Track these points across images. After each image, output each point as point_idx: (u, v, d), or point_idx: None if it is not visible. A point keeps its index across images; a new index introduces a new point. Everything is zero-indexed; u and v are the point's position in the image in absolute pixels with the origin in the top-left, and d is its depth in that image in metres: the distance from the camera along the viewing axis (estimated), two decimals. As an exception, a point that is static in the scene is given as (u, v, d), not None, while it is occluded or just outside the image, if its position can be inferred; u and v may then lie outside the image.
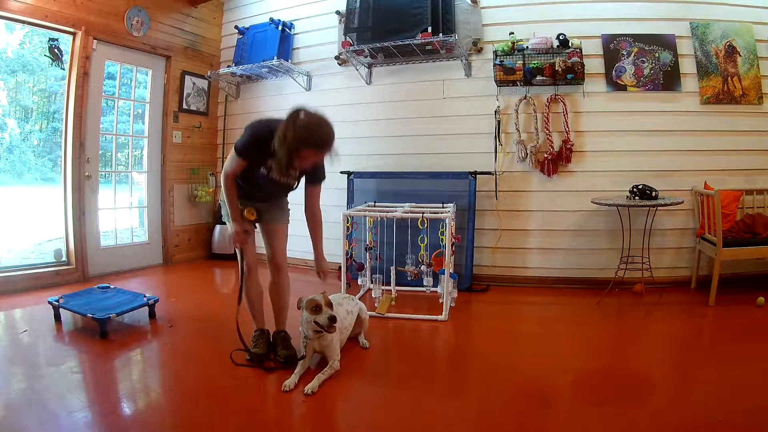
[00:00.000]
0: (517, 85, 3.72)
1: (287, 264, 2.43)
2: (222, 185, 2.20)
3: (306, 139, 1.92)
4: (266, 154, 2.04)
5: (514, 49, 3.63)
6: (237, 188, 2.21)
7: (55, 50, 3.81)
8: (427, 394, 2.02)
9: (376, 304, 3.11)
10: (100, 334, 2.57)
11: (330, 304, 2.16)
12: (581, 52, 3.53)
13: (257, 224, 2.38)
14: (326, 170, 2.31)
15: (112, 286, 3.19)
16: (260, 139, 2.04)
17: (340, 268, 3.47)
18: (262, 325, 2.42)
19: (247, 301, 2.38)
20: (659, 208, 3.32)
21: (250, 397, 2.00)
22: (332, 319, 2.09)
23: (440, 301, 3.17)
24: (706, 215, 3.35)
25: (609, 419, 1.80)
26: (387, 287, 3.29)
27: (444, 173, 3.87)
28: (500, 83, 3.73)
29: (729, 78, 3.59)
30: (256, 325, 2.42)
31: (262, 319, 2.43)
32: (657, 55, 3.60)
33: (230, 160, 2.14)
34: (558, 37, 3.57)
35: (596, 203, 3.38)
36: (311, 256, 4.86)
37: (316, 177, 2.30)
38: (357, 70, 4.16)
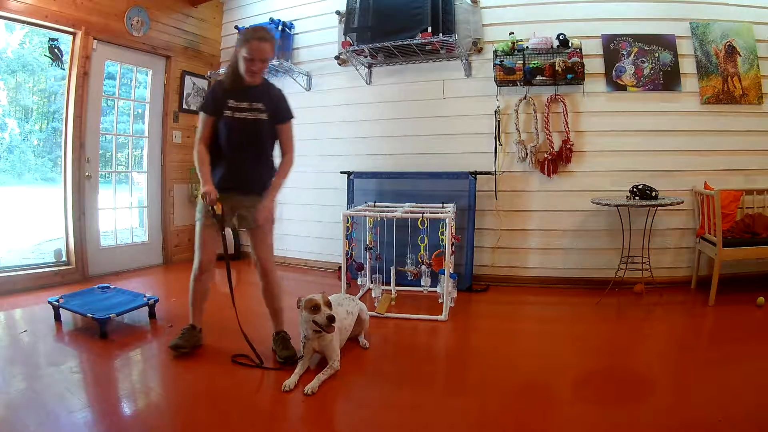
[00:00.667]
0: (517, 85, 3.72)
1: (275, 266, 2.40)
2: (194, 156, 2.24)
3: (247, 34, 2.15)
4: (224, 96, 2.21)
5: (514, 49, 3.63)
6: (212, 176, 2.26)
7: (55, 50, 3.81)
8: (427, 394, 2.02)
9: (375, 304, 3.11)
10: (100, 334, 2.58)
11: (329, 304, 2.16)
12: (581, 52, 3.53)
13: (242, 229, 2.36)
14: (291, 111, 2.38)
15: (112, 286, 3.19)
16: (215, 86, 2.31)
17: (340, 268, 3.47)
18: (196, 322, 2.44)
19: (192, 296, 2.40)
20: (659, 208, 3.32)
21: (250, 397, 2.00)
22: (331, 319, 2.09)
23: (440, 301, 3.17)
24: (706, 215, 3.35)
25: (609, 419, 1.80)
26: (387, 287, 3.29)
27: (444, 173, 3.87)
28: (500, 83, 3.73)
29: (729, 78, 3.59)
30: (190, 320, 2.43)
31: (199, 318, 2.45)
32: (657, 55, 3.60)
33: (198, 126, 2.27)
34: (558, 37, 3.56)
35: (596, 203, 3.38)
36: (311, 256, 4.85)
37: (281, 113, 2.32)
38: (357, 70, 4.16)
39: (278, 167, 2.36)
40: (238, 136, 2.23)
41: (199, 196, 2.23)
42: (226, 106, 2.20)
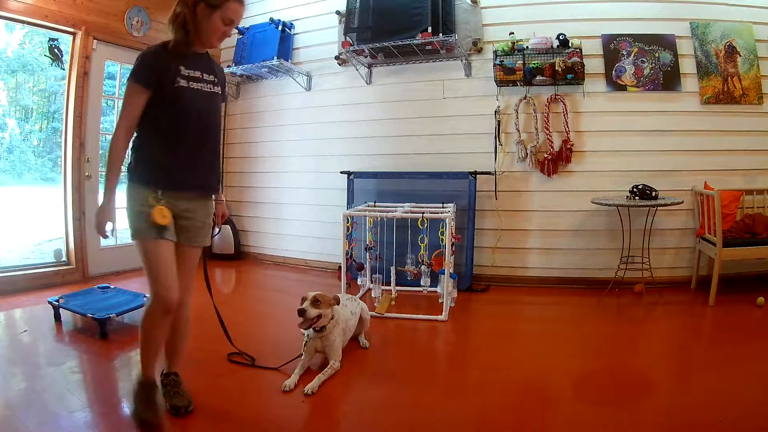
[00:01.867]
0: (517, 85, 3.72)
1: (191, 299, 1.89)
2: (111, 147, 1.64)
3: None
4: (174, 62, 1.67)
5: (514, 49, 3.63)
6: (153, 166, 1.68)
7: (55, 50, 3.81)
8: (427, 394, 2.02)
9: (375, 304, 3.11)
10: (100, 334, 2.58)
11: (316, 302, 2.11)
12: (581, 52, 3.53)
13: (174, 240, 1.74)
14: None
15: (112, 286, 3.19)
16: (156, 50, 1.71)
17: (340, 268, 3.47)
18: (151, 374, 1.77)
19: (149, 341, 1.74)
20: (659, 208, 3.32)
21: (250, 397, 2.00)
22: (300, 312, 2.07)
23: (440, 301, 3.17)
24: (706, 215, 3.35)
25: (609, 419, 1.80)
26: (387, 287, 3.29)
27: (444, 173, 3.87)
28: (500, 83, 3.73)
29: (729, 78, 3.59)
30: (145, 375, 1.75)
31: (154, 366, 1.79)
32: (657, 55, 3.60)
33: (125, 102, 1.66)
34: (558, 37, 3.56)
35: (596, 203, 3.38)
36: (311, 256, 4.83)
37: (224, 92, 1.95)
38: (357, 70, 4.16)
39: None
40: (196, 113, 1.69)
41: (153, 207, 1.65)
42: (179, 73, 1.66)
